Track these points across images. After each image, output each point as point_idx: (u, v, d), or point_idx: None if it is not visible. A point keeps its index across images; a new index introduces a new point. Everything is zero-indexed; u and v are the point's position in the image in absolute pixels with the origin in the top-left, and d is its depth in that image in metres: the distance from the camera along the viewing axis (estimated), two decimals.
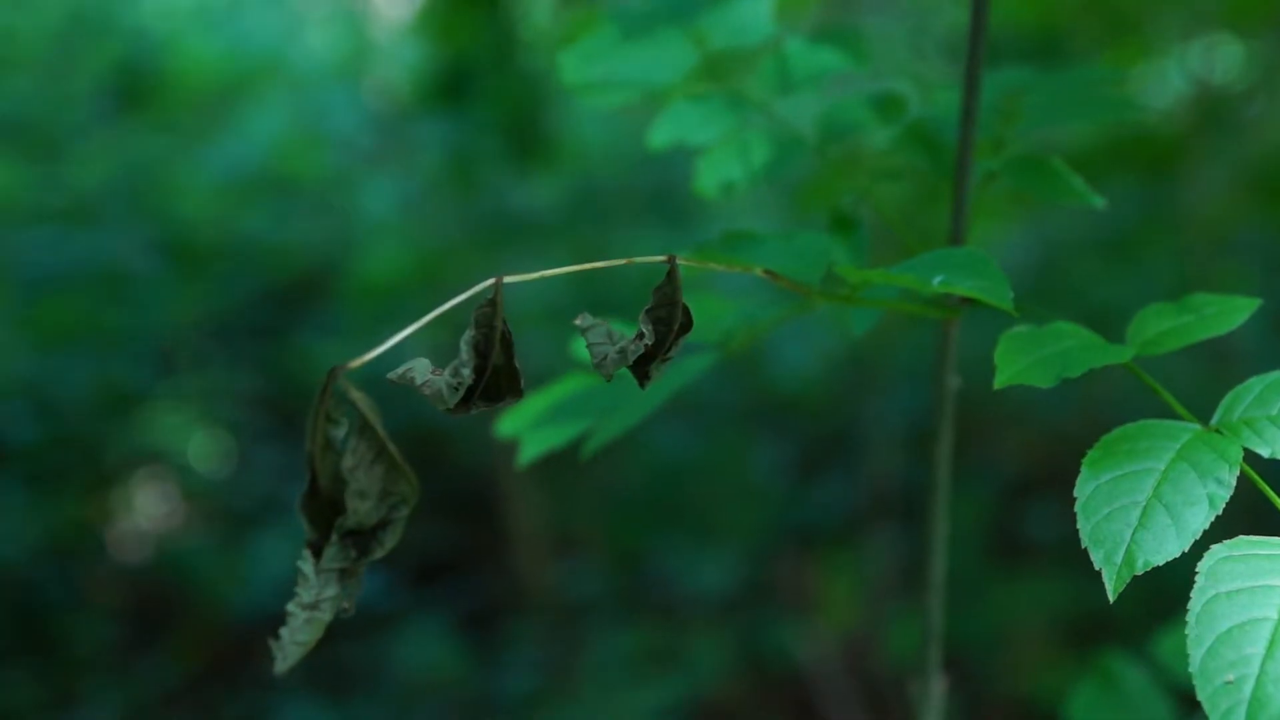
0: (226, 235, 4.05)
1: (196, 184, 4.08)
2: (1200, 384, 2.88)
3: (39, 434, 3.51)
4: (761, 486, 3.62)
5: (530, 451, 1.19)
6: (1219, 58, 3.57)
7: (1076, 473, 0.84)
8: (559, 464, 1.33)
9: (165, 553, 3.62)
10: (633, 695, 3.04)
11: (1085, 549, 0.81)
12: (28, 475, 3.48)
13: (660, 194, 4.04)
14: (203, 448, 3.88)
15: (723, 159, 1.19)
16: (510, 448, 1.25)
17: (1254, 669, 0.71)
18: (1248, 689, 0.71)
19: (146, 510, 3.79)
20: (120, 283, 3.77)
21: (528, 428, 1.20)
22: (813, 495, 3.65)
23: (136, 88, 4.14)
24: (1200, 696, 0.71)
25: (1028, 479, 3.50)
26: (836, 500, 3.60)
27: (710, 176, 1.19)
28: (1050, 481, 3.34)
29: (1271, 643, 0.72)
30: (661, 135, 1.21)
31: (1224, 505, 0.80)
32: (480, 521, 3.64)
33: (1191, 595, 0.75)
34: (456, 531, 3.67)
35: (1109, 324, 1.00)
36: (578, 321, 0.81)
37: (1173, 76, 3.63)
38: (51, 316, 3.66)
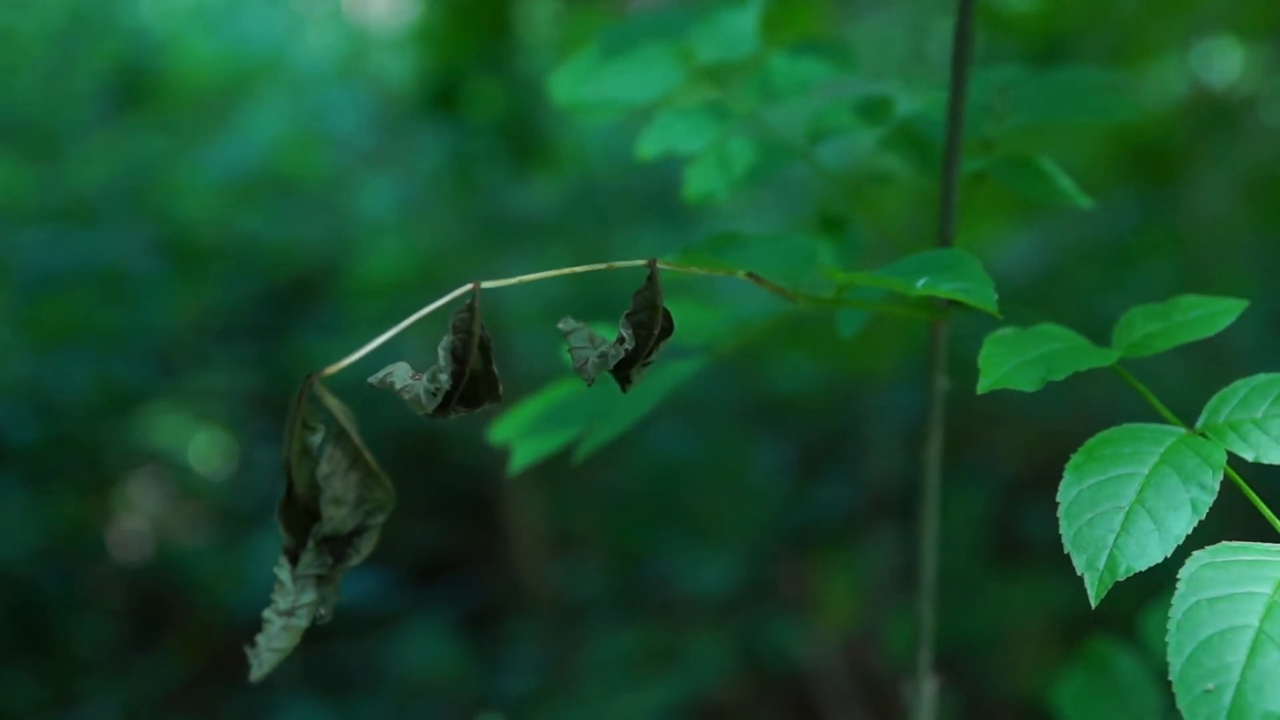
0: (226, 235, 4.04)
1: (196, 184, 4.08)
2: (1197, 385, 2.87)
3: (39, 434, 3.51)
4: (761, 486, 3.61)
5: (522, 458, 1.19)
6: (1220, 62, 3.56)
7: None
8: (558, 464, 1.33)
9: (165, 553, 3.62)
10: (632, 695, 3.03)
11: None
12: (28, 475, 3.48)
13: (659, 195, 4.03)
14: (203, 448, 3.88)
15: (710, 167, 1.20)
16: (509, 449, 1.25)
17: (1234, 677, 0.71)
18: (1227, 698, 0.70)
19: (146, 510, 3.79)
20: (120, 283, 3.77)
21: (519, 434, 1.20)
22: (812, 495, 3.65)
23: (136, 88, 4.14)
24: (1180, 705, 0.71)
25: (1025, 478, 3.49)
26: (836, 500, 3.59)
27: (698, 184, 1.20)
28: (1048, 481, 3.31)
29: (1252, 651, 0.72)
30: (650, 146, 1.22)
31: (1207, 510, 0.80)
32: (480, 521, 3.63)
33: (1172, 602, 0.74)
34: (456, 531, 3.67)
35: (1110, 330, 0.99)
36: (560, 325, 0.81)
37: (1174, 81, 3.63)
38: (51, 316, 3.65)
